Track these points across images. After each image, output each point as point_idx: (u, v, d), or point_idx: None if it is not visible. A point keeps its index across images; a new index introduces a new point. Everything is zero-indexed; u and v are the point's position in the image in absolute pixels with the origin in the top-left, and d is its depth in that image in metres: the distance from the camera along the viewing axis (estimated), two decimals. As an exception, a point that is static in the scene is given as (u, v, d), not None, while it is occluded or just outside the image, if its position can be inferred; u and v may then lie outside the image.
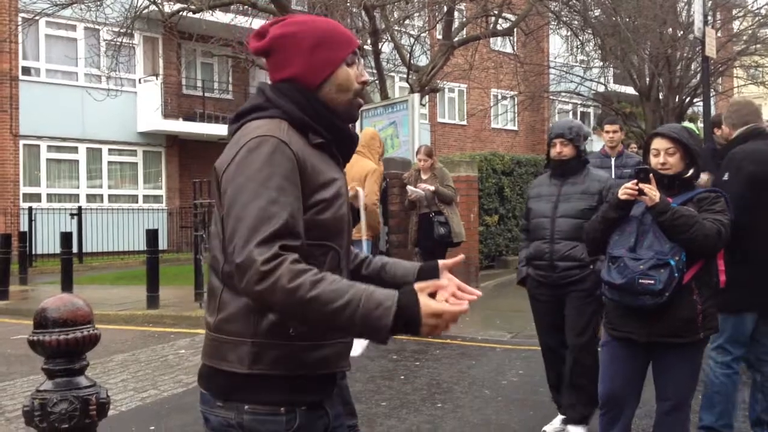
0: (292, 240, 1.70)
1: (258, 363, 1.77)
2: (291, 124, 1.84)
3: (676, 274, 3.17)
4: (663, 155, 3.38)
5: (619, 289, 3.28)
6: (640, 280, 3.20)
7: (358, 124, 11.02)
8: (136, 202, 19.76)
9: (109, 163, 19.32)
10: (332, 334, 1.82)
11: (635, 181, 3.29)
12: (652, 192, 3.23)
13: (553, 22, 16.76)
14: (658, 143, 3.42)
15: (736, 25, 20.50)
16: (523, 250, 4.65)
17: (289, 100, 1.86)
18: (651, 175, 3.29)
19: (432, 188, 8.20)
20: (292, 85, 1.89)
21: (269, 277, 1.64)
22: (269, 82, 1.96)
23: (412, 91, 13.04)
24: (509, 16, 14.94)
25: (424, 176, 8.42)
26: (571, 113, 26.79)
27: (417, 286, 1.72)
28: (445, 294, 1.75)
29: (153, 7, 13.58)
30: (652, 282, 3.18)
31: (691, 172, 3.40)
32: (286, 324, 1.77)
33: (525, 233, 4.66)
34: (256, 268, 1.64)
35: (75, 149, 18.69)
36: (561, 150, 4.39)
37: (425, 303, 1.67)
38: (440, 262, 1.98)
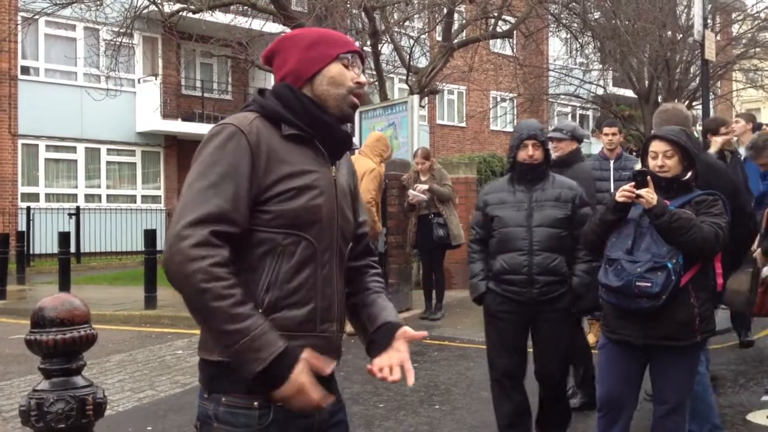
0: (225, 225, 1.75)
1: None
2: (263, 116, 1.89)
3: (673, 277, 3.17)
4: (661, 158, 3.38)
5: (616, 291, 3.27)
6: (637, 283, 3.19)
7: (357, 125, 11.01)
8: (135, 202, 19.74)
9: (108, 163, 19.30)
10: (306, 325, 1.85)
11: (632, 183, 3.29)
12: (649, 195, 3.23)
13: (552, 25, 16.75)
14: (656, 146, 3.42)
15: (735, 28, 20.49)
16: (477, 262, 4.14)
17: (273, 96, 1.92)
18: (649, 177, 3.29)
19: (426, 187, 8.20)
20: (283, 83, 1.95)
21: (190, 265, 1.69)
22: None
23: (411, 92, 13.03)
24: (509, 18, 14.93)
25: (423, 177, 8.43)
26: (570, 115, 26.76)
27: (305, 354, 1.78)
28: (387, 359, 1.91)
29: (153, 7, 13.56)
30: (649, 285, 3.17)
31: (689, 174, 3.40)
32: None
33: (479, 244, 4.17)
34: (183, 247, 1.71)
35: (73, 149, 18.67)
36: (533, 153, 3.97)
37: (297, 376, 1.74)
38: (402, 330, 1.98)
